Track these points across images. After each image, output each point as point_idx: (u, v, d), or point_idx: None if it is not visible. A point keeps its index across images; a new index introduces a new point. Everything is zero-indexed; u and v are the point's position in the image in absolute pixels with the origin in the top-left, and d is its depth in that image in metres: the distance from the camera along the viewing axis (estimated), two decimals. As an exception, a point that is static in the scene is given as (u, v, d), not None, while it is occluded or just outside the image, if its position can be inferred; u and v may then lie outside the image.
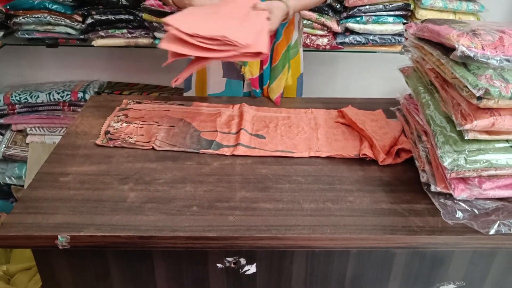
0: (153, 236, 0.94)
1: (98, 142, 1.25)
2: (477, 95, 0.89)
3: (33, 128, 2.35)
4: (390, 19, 2.04)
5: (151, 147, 1.23)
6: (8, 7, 1.99)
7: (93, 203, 1.02)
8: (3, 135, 2.36)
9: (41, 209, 1.00)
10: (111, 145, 1.24)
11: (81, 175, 1.12)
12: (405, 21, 2.07)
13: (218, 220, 0.98)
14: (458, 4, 1.98)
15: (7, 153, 2.31)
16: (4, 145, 2.32)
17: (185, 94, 1.70)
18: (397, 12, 2.04)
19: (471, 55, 0.91)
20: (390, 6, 2.01)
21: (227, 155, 1.21)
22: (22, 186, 2.30)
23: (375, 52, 2.14)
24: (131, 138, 1.27)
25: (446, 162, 0.96)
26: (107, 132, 1.29)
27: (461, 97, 0.98)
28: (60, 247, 0.94)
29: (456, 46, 0.92)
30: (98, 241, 0.94)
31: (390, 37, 2.07)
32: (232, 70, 1.53)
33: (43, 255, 1.02)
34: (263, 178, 1.13)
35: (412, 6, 2.03)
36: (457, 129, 0.96)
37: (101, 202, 1.02)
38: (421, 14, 2.00)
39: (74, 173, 1.12)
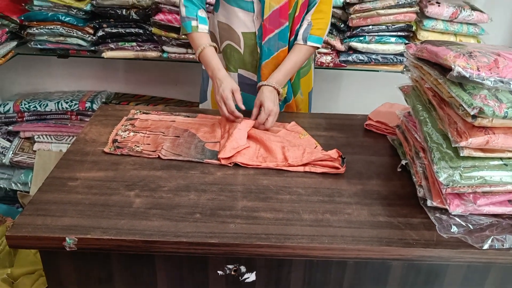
0: (157, 241, 0.97)
1: (106, 150, 1.29)
2: (472, 113, 0.93)
3: (40, 136, 2.39)
4: (393, 39, 2.09)
5: (157, 156, 1.27)
6: (22, 18, 2.05)
7: (100, 207, 1.06)
8: (11, 142, 2.40)
9: (50, 211, 1.04)
10: (119, 153, 1.28)
11: (89, 181, 1.15)
12: (407, 41, 2.12)
13: (220, 227, 1.01)
14: (459, 26, 2.03)
15: (14, 160, 2.35)
16: (11, 152, 2.36)
17: (201, 105, 1.77)
18: (399, 33, 2.09)
19: (467, 75, 0.95)
20: (393, 27, 2.07)
21: (229, 166, 1.25)
22: (28, 192, 2.33)
23: (377, 71, 2.19)
24: (138, 146, 1.31)
25: (442, 177, 1.00)
26: (114, 141, 1.34)
27: (457, 116, 1.02)
28: (68, 249, 0.98)
29: (453, 66, 0.96)
30: (104, 244, 0.97)
31: (392, 56, 2.12)
32: (245, 84, 1.60)
33: (50, 256, 1.05)
34: (264, 188, 1.16)
35: (414, 28, 2.09)
36: (453, 146, 0.99)
37: (107, 207, 1.06)
38: (423, 35, 2.05)
39: (82, 179, 1.16)
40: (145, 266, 1.06)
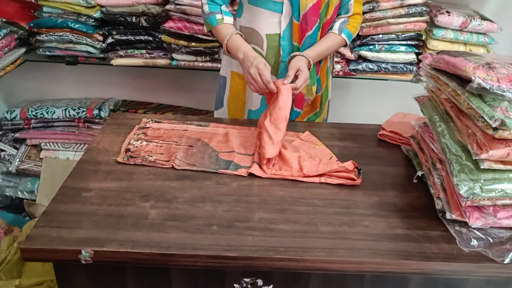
0: (175, 254, 0.96)
1: (119, 159, 1.28)
2: (494, 126, 0.92)
3: (47, 143, 2.39)
4: (403, 48, 2.09)
5: (170, 166, 1.26)
6: (32, 25, 2.05)
7: (116, 219, 1.05)
8: (17, 149, 2.39)
9: (64, 223, 1.02)
10: (132, 163, 1.27)
11: (103, 191, 1.14)
12: (417, 50, 2.12)
13: (237, 239, 1.00)
14: (469, 36, 2.02)
15: (20, 167, 2.34)
16: (18, 159, 2.35)
17: (215, 112, 1.77)
18: (409, 42, 2.09)
19: (487, 87, 0.94)
20: (403, 36, 2.06)
21: (244, 176, 1.24)
22: (34, 200, 2.32)
23: (387, 79, 2.18)
24: (151, 156, 1.30)
25: (462, 190, 0.98)
26: (127, 150, 1.33)
27: (476, 127, 1.01)
28: (83, 262, 0.96)
29: (473, 78, 0.95)
30: (120, 257, 0.96)
31: (402, 65, 2.11)
32: None
33: (63, 269, 1.04)
34: (280, 200, 1.15)
35: (424, 37, 2.08)
36: (474, 158, 0.98)
37: (123, 218, 1.05)
38: (433, 44, 2.05)
39: (96, 189, 1.15)
40: (161, 279, 1.05)
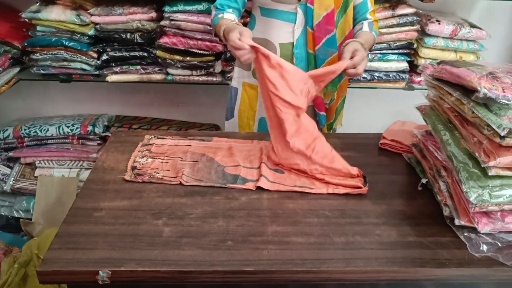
0: (193, 271, 0.96)
1: (127, 177, 1.28)
2: (502, 134, 0.95)
3: (42, 161, 2.36)
4: (395, 57, 2.13)
5: (178, 182, 1.27)
6: (26, 44, 2.03)
7: (130, 238, 1.04)
8: (11, 168, 2.36)
9: (79, 244, 1.02)
10: (140, 180, 1.27)
11: (114, 210, 1.14)
12: (408, 59, 2.16)
13: (253, 254, 1.01)
14: (459, 43, 2.07)
15: (15, 186, 2.31)
16: (12, 178, 2.32)
17: (226, 123, 1.79)
18: (400, 50, 2.13)
19: (493, 97, 0.97)
20: (394, 44, 2.11)
21: (253, 190, 1.25)
22: (30, 219, 2.28)
23: (380, 88, 2.22)
24: (158, 173, 1.30)
25: (472, 197, 1.01)
26: (133, 168, 1.33)
27: (482, 135, 1.03)
28: (100, 282, 0.96)
29: (479, 88, 0.98)
30: (138, 276, 0.96)
31: (394, 73, 2.15)
32: None
33: (79, 290, 1.03)
34: (291, 212, 1.16)
35: (415, 45, 2.13)
36: (482, 166, 1.01)
37: (138, 237, 1.05)
38: (424, 52, 2.09)
39: (107, 208, 1.15)
40: (177, 296, 1.05)
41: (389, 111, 2.34)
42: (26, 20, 1.99)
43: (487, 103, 1.01)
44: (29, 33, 2.03)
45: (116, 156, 1.40)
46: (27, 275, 1.75)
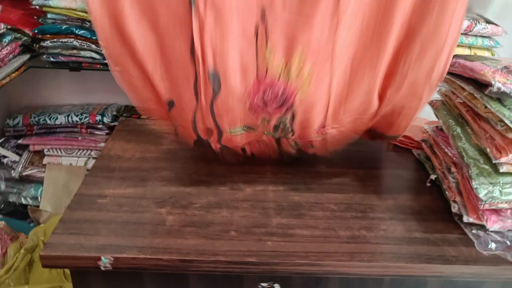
0: (195, 260, 0.96)
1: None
2: (515, 129, 0.93)
3: (50, 150, 2.37)
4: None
5: None
6: (36, 31, 2.04)
7: (133, 225, 1.04)
8: (20, 155, 2.37)
9: (82, 230, 1.02)
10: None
11: (119, 198, 1.14)
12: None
13: (257, 245, 1.00)
14: (473, 39, 2.03)
15: (23, 174, 2.33)
16: (21, 166, 2.34)
17: None
18: (413, 46, 2.10)
19: (507, 91, 0.95)
20: (407, 39, 2.07)
21: (259, 181, 1.24)
22: (38, 206, 2.30)
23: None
24: None
25: (482, 193, 0.99)
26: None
27: (494, 131, 1.01)
28: (102, 268, 0.95)
29: (492, 82, 0.96)
30: (140, 263, 0.95)
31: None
32: None
33: (81, 276, 1.03)
34: (296, 205, 1.15)
35: (428, 40, 2.09)
36: (493, 162, 0.99)
37: (141, 225, 1.04)
38: (437, 48, 2.05)
39: (111, 196, 1.14)
40: (179, 285, 1.04)
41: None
42: (37, 7, 1.99)
43: (501, 97, 0.98)
44: (40, 20, 2.03)
45: (122, 145, 1.40)
46: (33, 260, 1.76)
